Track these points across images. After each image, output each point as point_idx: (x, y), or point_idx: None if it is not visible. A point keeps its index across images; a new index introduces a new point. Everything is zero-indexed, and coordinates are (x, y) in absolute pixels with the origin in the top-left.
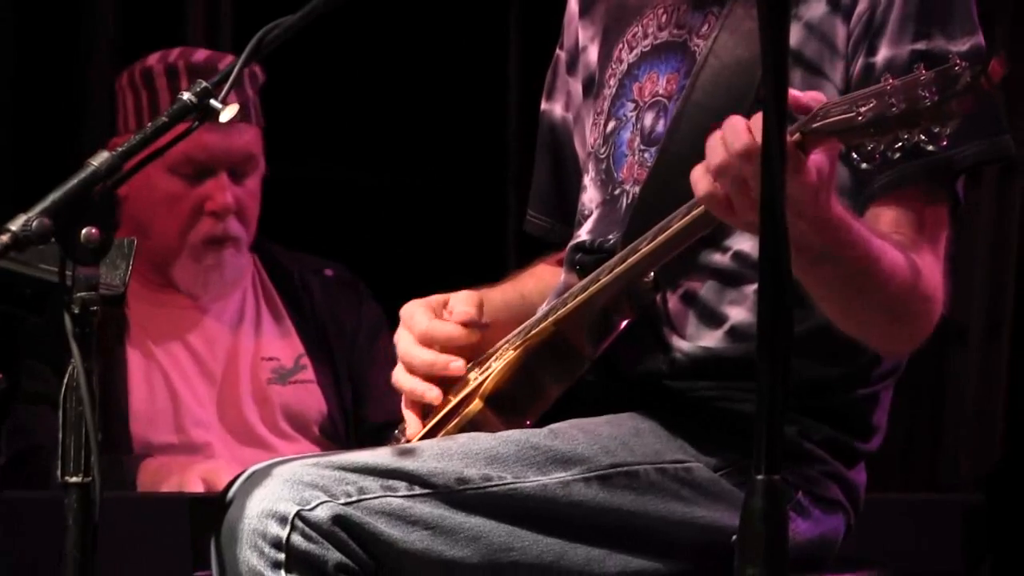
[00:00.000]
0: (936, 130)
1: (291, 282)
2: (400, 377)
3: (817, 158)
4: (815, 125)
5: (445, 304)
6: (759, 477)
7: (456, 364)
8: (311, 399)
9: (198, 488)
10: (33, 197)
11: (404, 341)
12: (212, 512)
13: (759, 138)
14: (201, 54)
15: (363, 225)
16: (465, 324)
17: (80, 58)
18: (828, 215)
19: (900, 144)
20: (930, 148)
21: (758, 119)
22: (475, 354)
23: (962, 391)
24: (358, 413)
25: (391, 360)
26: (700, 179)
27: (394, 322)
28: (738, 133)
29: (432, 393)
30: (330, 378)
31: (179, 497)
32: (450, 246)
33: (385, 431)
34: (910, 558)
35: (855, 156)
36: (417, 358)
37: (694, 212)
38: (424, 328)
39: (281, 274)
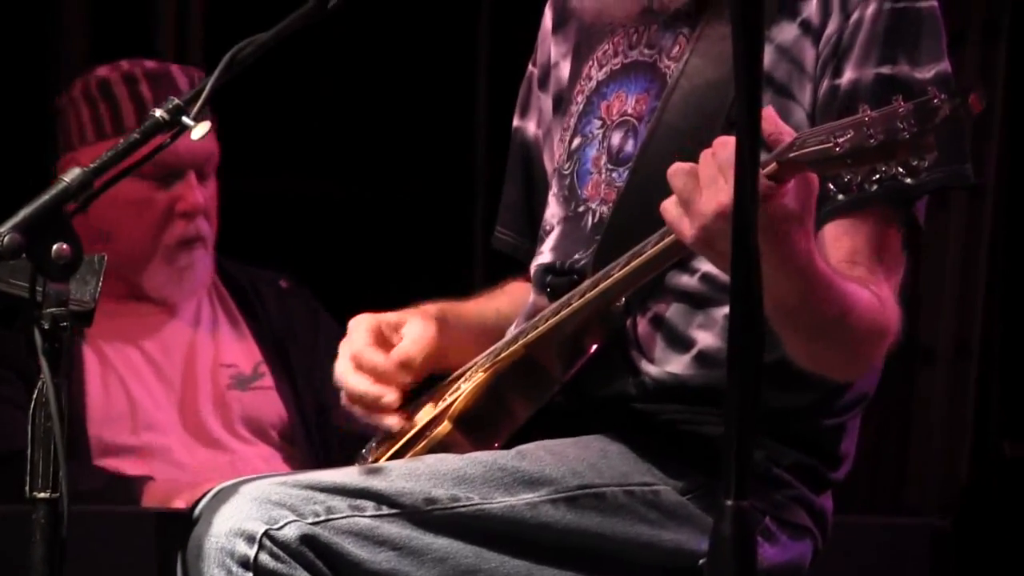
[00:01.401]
0: (914, 163)
1: (244, 291)
2: (342, 394)
3: (794, 187)
4: (792, 155)
5: (398, 327)
6: (728, 502)
7: (388, 399)
8: (271, 405)
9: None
10: (3, 211)
11: (341, 361)
12: (179, 528)
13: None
14: (150, 62)
15: (327, 237)
16: (401, 363)
17: (50, 72)
18: (808, 262)
19: (878, 176)
20: (908, 181)
21: (724, 159)
22: (425, 375)
23: (929, 412)
24: (327, 423)
25: None
26: (677, 220)
27: None
28: (714, 190)
29: (388, 398)
30: (288, 386)
31: (145, 512)
32: (417, 259)
33: (356, 441)
34: None
35: (831, 187)
36: (350, 385)
37: (667, 240)
38: (356, 351)
39: (234, 283)
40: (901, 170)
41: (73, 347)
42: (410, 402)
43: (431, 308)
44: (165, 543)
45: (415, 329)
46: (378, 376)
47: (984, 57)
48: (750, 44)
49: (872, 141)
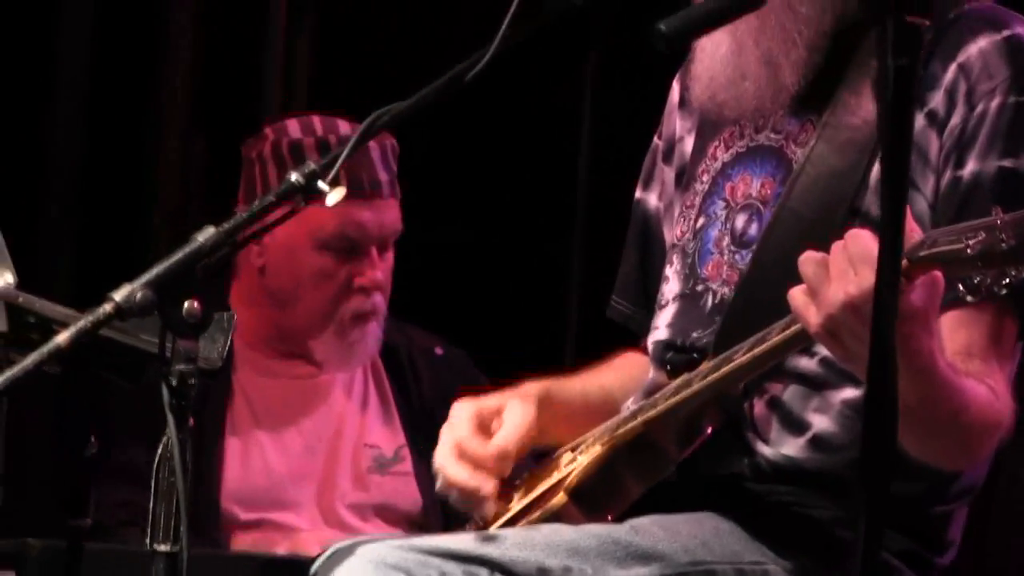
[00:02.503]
0: None
1: (399, 361)
2: (440, 484)
3: (921, 285)
4: (922, 253)
5: (499, 412)
6: None
7: (486, 490)
8: (407, 491)
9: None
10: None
11: (442, 448)
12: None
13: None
14: (344, 125)
15: (432, 283)
16: (499, 456)
17: (154, 116)
18: (931, 363)
19: (1008, 280)
20: None
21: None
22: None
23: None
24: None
25: None
26: (804, 308)
27: None
28: (844, 282)
29: (486, 489)
30: (429, 471)
31: (254, 557)
32: (512, 307)
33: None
34: None
35: (961, 287)
36: (450, 474)
37: (792, 328)
38: (458, 439)
39: (390, 351)
40: None
41: (199, 402)
42: (508, 483)
43: (532, 388)
44: None
45: (513, 417)
46: (477, 466)
47: None
48: (899, 139)
49: (1004, 245)
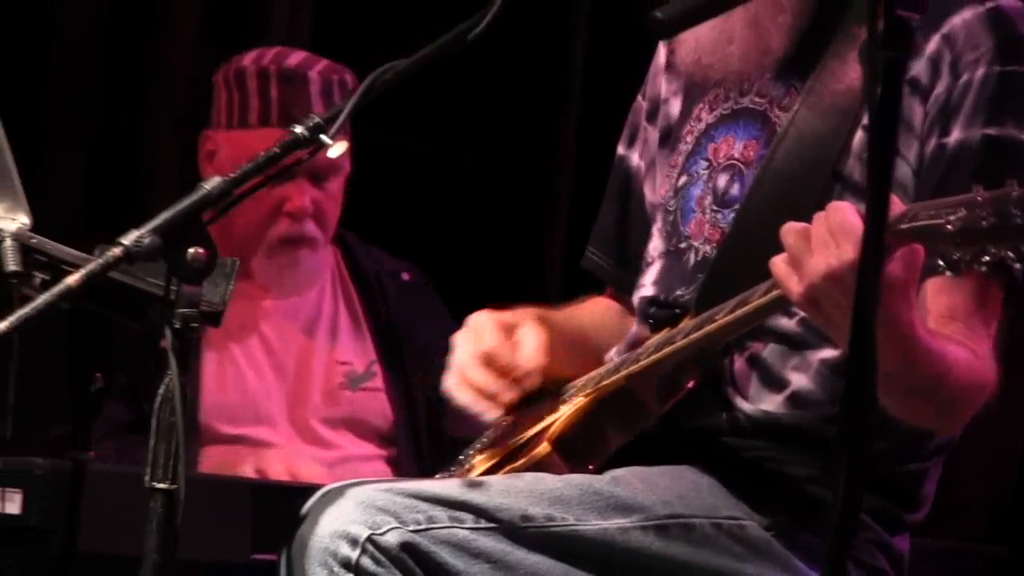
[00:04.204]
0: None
1: (368, 283)
2: (456, 384)
3: (901, 256)
4: (903, 226)
5: (513, 329)
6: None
7: (504, 397)
8: (377, 406)
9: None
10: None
11: (463, 352)
12: (273, 499)
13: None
14: (294, 58)
15: (409, 194)
16: (528, 372)
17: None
18: (909, 331)
19: (987, 258)
20: (1017, 266)
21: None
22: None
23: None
24: (436, 426)
25: None
26: (785, 277)
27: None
28: (825, 253)
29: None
30: (399, 386)
31: (242, 482)
32: (495, 225)
33: (462, 446)
34: None
35: (940, 262)
36: (472, 378)
37: (773, 293)
38: (489, 349)
39: (360, 273)
40: (1011, 254)
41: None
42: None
43: (534, 313)
44: (260, 512)
45: (533, 338)
46: (503, 374)
47: None
48: (886, 121)
49: (983, 223)
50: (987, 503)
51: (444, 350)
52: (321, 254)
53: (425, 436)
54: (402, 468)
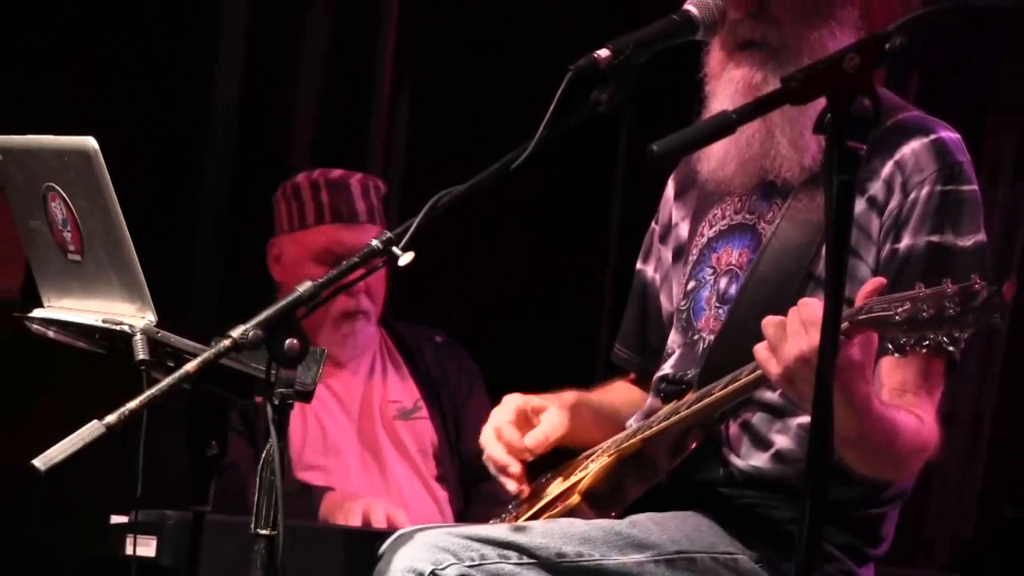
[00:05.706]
0: (956, 335)
1: (408, 346)
2: (485, 441)
3: (859, 342)
4: (860, 317)
5: (539, 412)
6: None
7: (513, 470)
8: (426, 432)
9: (357, 519)
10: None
11: (487, 429)
12: (363, 546)
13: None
14: (336, 172)
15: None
16: (530, 448)
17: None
18: (866, 404)
19: (927, 342)
20: (950, 348)
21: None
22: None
23: (946, 473)
24: (458, 443)
25: (483, 403)
26: (765, 361)
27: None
28: (797, 340)
29: (513, 469)
30: (439, 418)
31: (333, 528)
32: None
33: (477, 458)
34: None
35: (889, 345)
36: (488, 450)
37: (757, 372)
38: (499, 425)
39: (402, 342)
40: (945, 339)
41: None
42: (534, 469)
43: (568, 397)
44: (351, 556)
45: (549, 421)
46: (510, 449)
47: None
48: (840, 230)
49: (924, 315)
50: (952, 537)
51: (469, 387)
52: (373, 325)
53: (455, 451)
54: (447, 480)
